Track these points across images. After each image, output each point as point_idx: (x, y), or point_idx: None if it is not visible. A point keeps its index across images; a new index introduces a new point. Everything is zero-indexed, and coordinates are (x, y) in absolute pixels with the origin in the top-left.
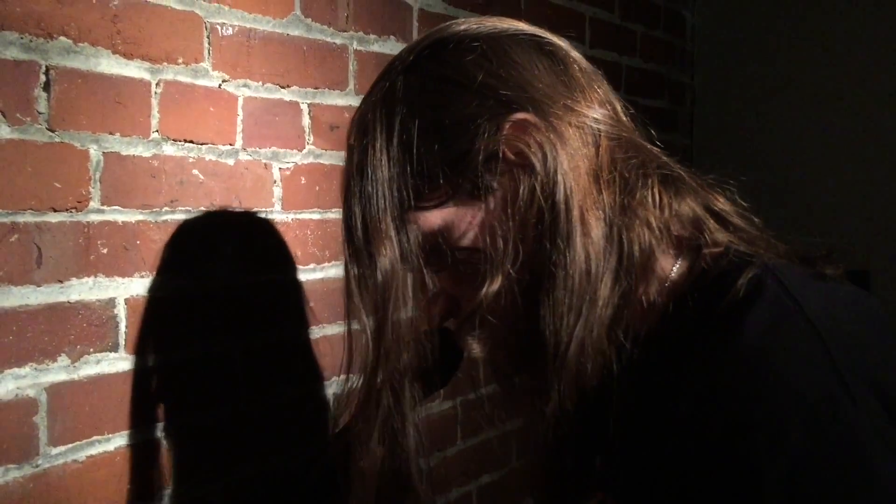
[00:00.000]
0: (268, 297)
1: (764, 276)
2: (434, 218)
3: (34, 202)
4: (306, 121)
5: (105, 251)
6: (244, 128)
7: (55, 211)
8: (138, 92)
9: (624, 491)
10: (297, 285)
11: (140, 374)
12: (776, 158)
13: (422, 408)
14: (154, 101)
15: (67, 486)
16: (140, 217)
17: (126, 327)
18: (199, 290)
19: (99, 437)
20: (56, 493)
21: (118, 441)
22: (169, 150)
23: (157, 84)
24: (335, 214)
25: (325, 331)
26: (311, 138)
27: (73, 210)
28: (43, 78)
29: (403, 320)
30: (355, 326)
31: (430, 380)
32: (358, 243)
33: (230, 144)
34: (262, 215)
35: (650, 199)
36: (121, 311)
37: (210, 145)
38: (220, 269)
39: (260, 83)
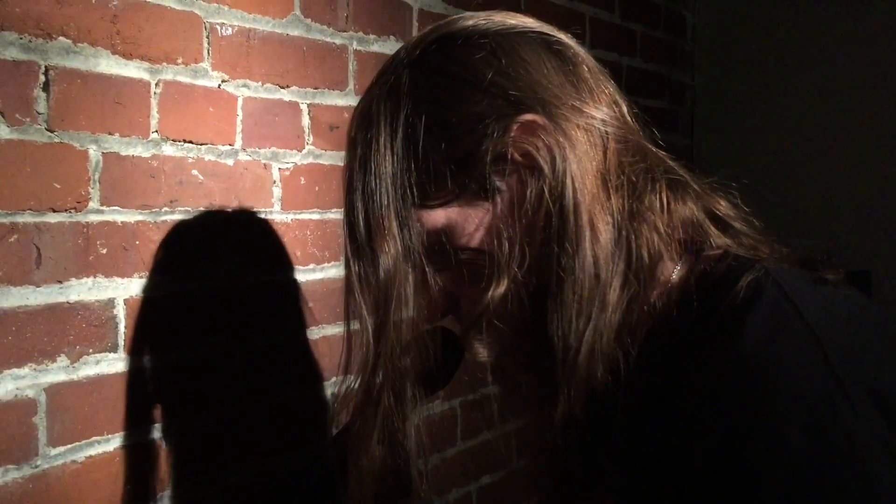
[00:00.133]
0: (267, 298)
1: (763, 279)
2: (438, 217)
3: (33, 202)
4: (306, 121)
5: (104, 251)
6: (244, 128)
7: (54, 211)
8: (138, 92)
9: (627, 493)
10: (296, 286)
11: (139, 375)
12: (777, 158)
13: (422, 408)
14: (153, 102)
15: (66, 487)
16: (139, 217)
17: (125, 328)
18: (198, 290)
19: (98, 438)
20: (55, 494)
21: (117, 442)
22: (168, 150)
23: (157, 84)
24: (335, 215)
25: (325, 331)
26: (311, 138)
27: (72, 210)
28: (42, 78)
29: (404, 319)
30: (355, 325)
31: (431, 380)
32: (360, 239)
33: (230, 145)
34: (262, 215)
35: (657, 204)
36: (120, 311)
37: (209, 145)
38: (220, 269)
39: (259, 83)
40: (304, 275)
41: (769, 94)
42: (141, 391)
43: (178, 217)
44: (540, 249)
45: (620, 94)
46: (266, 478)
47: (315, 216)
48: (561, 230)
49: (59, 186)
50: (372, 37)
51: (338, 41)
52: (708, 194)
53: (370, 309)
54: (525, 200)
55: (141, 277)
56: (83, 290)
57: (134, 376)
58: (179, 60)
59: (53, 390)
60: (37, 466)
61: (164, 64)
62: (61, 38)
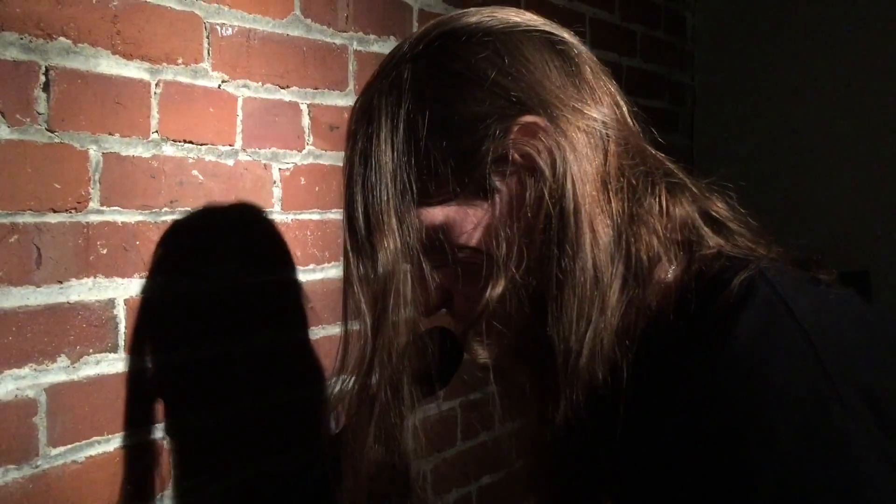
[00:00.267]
0: (267, 298)
1: (756, 279)
2: (437, 214)
3: (34, 203)
4: (306, 121)
5: (104, 252)
6: (244, 128)
7: (54, 211)
8: (138, 92)
9: (624, 492)
10: (296, 286)
11: (139, 375)
12: (776, 158)
13: (420, 408)
14: (154, 102)
15: (67, 487)
16: (139, 218)
17: (125, 328)
18: (198, 290)
19: (98, 438)
20: (55, 494)
21: (117, 442)
22: (168, 150)
23: (157, 84)
24: (335, 215)
25: (326, 331)
26: (311, 139)
27: (72, 210)
28: (42, 78)
29: (402, 316)
30: (353, 320)
31: (430, 380)
32: (359, 234)
33: (230, 145)
34: (262, 216)
35: (656, 207)
36: (120, 311)
37: (210, 146)
38: (220, 269)
39: (259, 83)
40: (304, 275)
41: (769, 95)
42: (141, 391)
43: (178, 217)
44: (539, 251)
45: (622, 94)
46: (266, 478)
47: (315, 216)
48: (561, 232)
49: (59, 187)
50: (372, 37)
51: (338, 41)
52: (705, 196)
53: (369, 304)
54: (524, 202)
55: (141, 278)
56: (83, 290)
57: (134, 376)
58: (180, 61)
59: (54, 390)
60: (37, 466)
61: (165, 64)
62: (62, 39)
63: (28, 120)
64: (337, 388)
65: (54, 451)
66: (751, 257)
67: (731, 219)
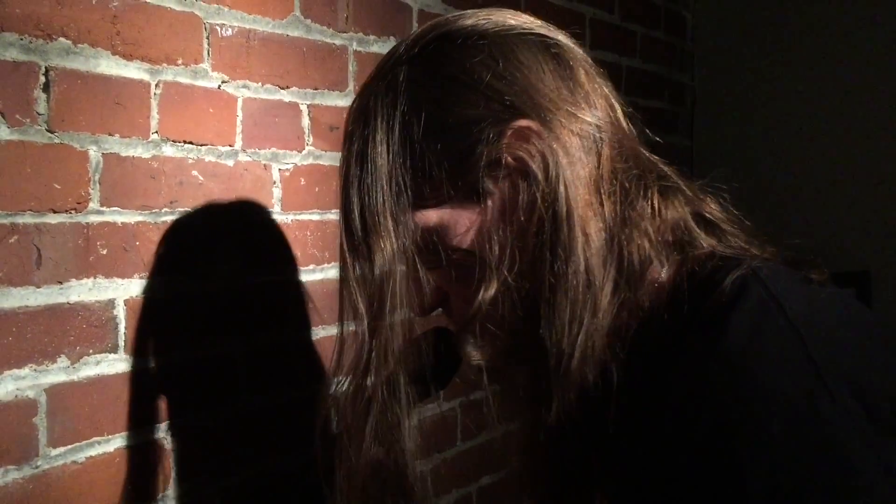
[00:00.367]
0: (267, 299)
1: (748, 278)
2: (431, 217)
3: (34, 203)
4: (306, 122)
5: (104, 252)
6: (244, 129)
7: (54, 212)
8: (138, 93)
9: (618, 491)
10: (296, 286)
11: (139, 376)
12: (777, 158)
13: (418, 409)
14: (153, 102)
15: (67, 488)
16: (139, 218)
17: (125, 328)
18: (198, 291)
19: (98, 439)
20: (55, 495)
21: (118, 442)
22: (168, 151)
23: (157, 85)
24: (335, 215)
25: (326, 332)
26: (311, 139)
27: (72, 211)
28: (42, 79)
29: (399, 317)
30: (350, 321)
31: (429, 381)
32: (356, 235)
33: (230, 145)
34: (262, 216)
35: (648, 210)
36: (120, 312)
37: (209, 146)
38: (220, 270)
39: (259, 84)
40: (304, 275)
41: (769, 95)
42: (141, 391)
43: (178, 218)
44: (532, 254)
45: (616, 95)
46: (267, 478)
47: (315, 217)
48: (553, 236)
49: (59, 187)
50: (372, 37)
51: (338, 42)
52: (699, 198)
53: (365, 305)
54: (517, 205)
55: (141, 278)
56: (83, 290)
57: (134, 377)
58: (179, 61)
59: (54, 391)
60: (37, 467)
61: (165, 65)
62: (61, 39)
63: (28, 120)
64: (332, 389)
65: (54, 452)
66: (744, 257)
67: (725, 220)
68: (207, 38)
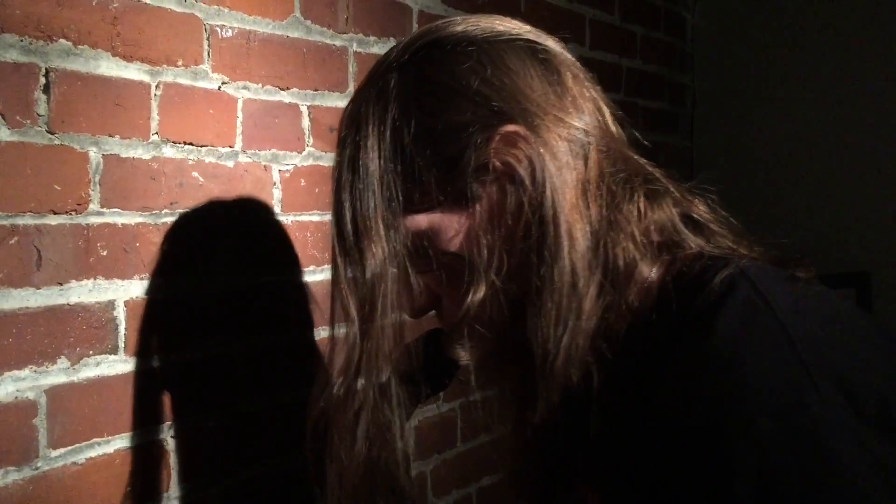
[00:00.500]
0: (267, 299)
1: (736, 277)
2: (421, 221)
3: (34, 204)
4: (306, 123)
5: (105, 253)
6: (244, 130)
7: (55, 213)
8: (138, 94)
9: (608, 488)
10: (296, 287)
11: (140, 377)
12: (776, 159)
13: (413, 410)
14: (154, 104)
15: (67, 489)
16: (140, 219)
17: (126, 329)
18: (198, 292)
19: (98, 440)
20: (55, 496)
21: (118, 443)
22: (168, 152)
23: (157, 86)
24: None
25: (326, 333)
26: (311, 140)
27: (72, 212)
28: (43, 80)
29: (390, 320)
30: (341, 324)
31: (418, 383)
32: (347, 239)
33: (230, 146)
34: (262, 217)
35: (635, 213)
36: (120, 313)
37: (210, 147)
38: (220, 271)
39: (259, 85)
40: (304, 276)
41: (769, 96)
42: (142, 393)
43: (178, 219)
44: (519, 258)
45: (606, 99)
46: (268, 480)
47: (315, 218)
48: (540, 240)
49: (59, 188)
50: (372, 38)
51: (338, 43)
52: (687, 199)
53: (356, 308)
54: (505, 209)
55: (141, 279)
56: (83, 291)
57: (134, 378)
58: (180, 62)
59: (54, 392)
60: (37, 468)
61: (165, 66)
62: (62, 41)
63: (28, 122)
64: (321, 388)
65: (54, 453)
66: (732, 257)
67: (713, 220)
68: (208, 39)
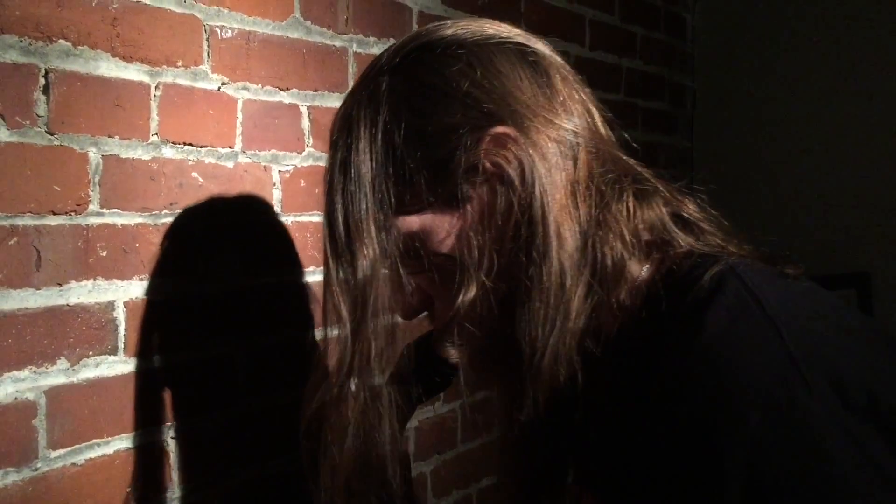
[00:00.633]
0: (267, 300)
1: (726, 273)
2: (413, 222)
3: (33, 205)
4: (306, 123)
5: (104, 254)
6: (243, 130)
7: (54, 214)
8: (137, 95)
9: (602, 485)
10: (296, 288)
11: (139, 377)
12: (777, 160)
13: (411, 412)
14: (153, 104)
15: (66, 490)
16: (139, 220)
17: (125, 330)
18: (198, 292)
19: (98, 441)
20: (55, 497)
21: (117, 444)
22: (168, 152)
23: (157, 87)
24: None
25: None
26: (311, 141)
27: (72, 213)
28: (42, 81)
29: (381, 321)
30: (333, 325)
31: (411, 386)
32: (339, 241)
33: (229, 147)
34: (262, 218)
35: (624, 213)
36: (120, 314)
37: (209, 148)
38: (220, 271)
39: (259, 86)
40: (304, 277)
41: (769, 96)
42: (141, 393)
43: (177, 219)
44: (509, 258)
45: (595, 101)
46: (268, 480)
47: (315, 218)
48: (529, 240)
49: (59, 189)
50: (372, 39)
51: (338, 43)
52: (676, 199)
53: (348, 309)
54: (495, 210)
55: (141, 280)
56: (83, 292)
57: (134, 379)
58: (179, 63)
59: (53, 393)
60: (37, 469)
61: (164, 66)
62: (61, 41)
63: (28, 122)
64: (316, 390)
65: (54, 454)
66: (721, 255)
67: (703, 219)
68: (207, 39)
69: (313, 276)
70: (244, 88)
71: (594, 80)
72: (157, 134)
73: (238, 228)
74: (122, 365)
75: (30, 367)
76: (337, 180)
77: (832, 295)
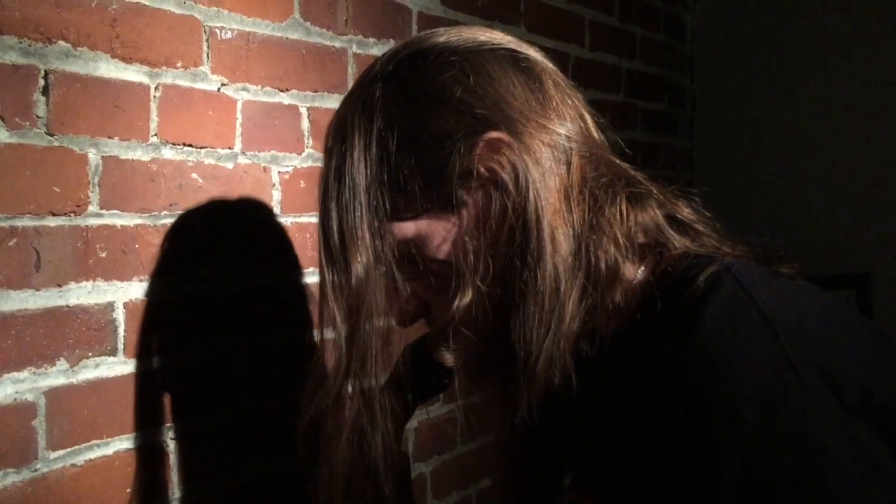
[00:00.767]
0: (267, 301)
1: (720, 273)
2: (408, 229)
3: (33, 206)
4: (305, 124)
5: (104, 255)
6: (243, 131)
7: (54, 215)
8: (137, 96)
9: (599, 487)
10: (296, 289)
11: (139, 378)
12: (777, 160)
13: (409, 415)
14: (153, 105)
15: (66, 491)
16: (139, 221)
17: (125, 331)
18: (197, 293)
19: (98, 442)
20: (55, 498)
21: (117, 445)
22: (168, 153)
23: (156, 88)
24: None
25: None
26: (311, 142)
27: (71, 214)
28: (42, 82)
29: (376, 326)
30: (329, 330)
31: (406, 390)
32: (334, 248)
33: (229, 148)
34: (262, 219)
35: (617, 216)
36: (119, 315)
37: (209, 149)
38: (219, 272)
39: (259, 87)
40: (303, 278)
41: (769, 97)
42: (141, 394)
43: (177, 220)
44: (503, 262)
45: (587, 106)
46: (268, 481)
47: (315, 219)
48: (523, 244)
49: (58, 190)
50: (371, 40)
51: (337, 44)
52: (670, 201)
53: (343, 315)
54: (490, 215)
55: (140, 281)
56: (82, 293)
57: (134, 380)
58: (179, 64)
59: (53, 394)
60: (36, 470)
61: (164, 68)
62: (61, 42)
63: (27, 123)
64: (313, 392)
65: (53, 455)
66: (716, 255)
67: (697, 221)
68: (207, 40)
69: (312, 276)
70: (244, 89)
71: (594, 80)
72: (156, 135)
73: (237, 229)
74: (121, 366)
75: (29, 368)
76: (332, 188)
77: (826, 294)
